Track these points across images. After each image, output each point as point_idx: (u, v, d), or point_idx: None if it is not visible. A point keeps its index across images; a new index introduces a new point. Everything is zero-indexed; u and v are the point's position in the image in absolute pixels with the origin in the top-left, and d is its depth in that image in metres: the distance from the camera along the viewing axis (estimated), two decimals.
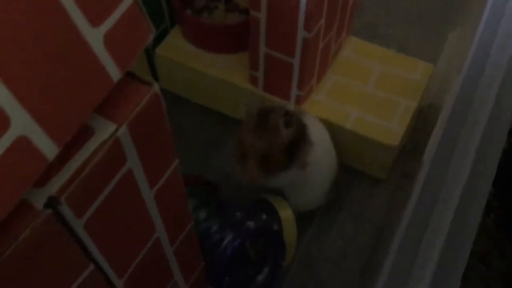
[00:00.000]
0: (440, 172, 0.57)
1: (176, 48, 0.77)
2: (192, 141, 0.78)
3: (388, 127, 0.70)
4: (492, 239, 0.72)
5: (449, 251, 0.51)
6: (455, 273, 0.48)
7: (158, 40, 0.78)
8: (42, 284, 0.30)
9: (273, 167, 0.59)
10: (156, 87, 0.33)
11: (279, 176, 0.60)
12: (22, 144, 0.25)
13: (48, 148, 0.26)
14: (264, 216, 0.62)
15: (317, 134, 0.64)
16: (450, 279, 0.47)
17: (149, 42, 0.32)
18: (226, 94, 0.77)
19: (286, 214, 0.64)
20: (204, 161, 0.76)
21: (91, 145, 0.30)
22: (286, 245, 0.62)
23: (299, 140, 0.60)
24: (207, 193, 0.65)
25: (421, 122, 0.77)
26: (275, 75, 0.70)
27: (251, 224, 0.59)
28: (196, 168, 0.75)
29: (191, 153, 0.76)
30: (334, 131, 0.71)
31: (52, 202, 0.28)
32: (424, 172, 0.57)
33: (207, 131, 0.79)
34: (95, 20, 0.27)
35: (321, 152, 0.64)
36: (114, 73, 0.30)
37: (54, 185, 0.28)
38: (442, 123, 0.61)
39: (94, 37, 0.27)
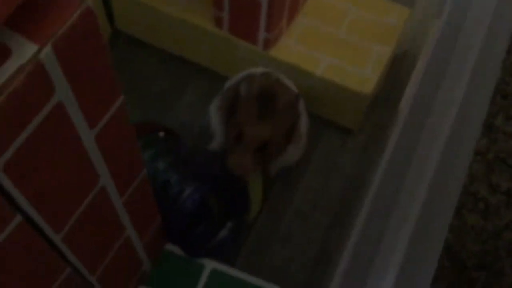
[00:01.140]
0: (418, 122, 0.53)
1: None
2: (150, 88, 0.72)
3: (361, 74, 0.66)
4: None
5: (427, 206, 0.47)
6: (434, 229, 0.44)
7: None
8: None
9: (271, 156, 0.54)
10: (89, 1, 0.27)
11: (277, 161, 0.55)
12: None
13: None
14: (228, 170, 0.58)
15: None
16: (428, 235, 0.44)
17: None
18: (188, 36, 0.71)
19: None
20: (164, 110, 0.70)
21: (7, 70, 0.25)
22: (252, 198, 0.57)
23: (296, 118, 0.54)
24: (166, 142, 0.59)
25: (395, 70, 0.73)
26: (242, 15, 0.64)
27: (213, 174, 0.55)
28: (154, 117, 0.69)
29: (149, 101, 0.71)
30: (304, 78, 0.66)
31: None
32: (401, 122, 0.53)
33: (167, 77, 0.73)
34: None
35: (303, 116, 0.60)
36: None
37: None
38: (420, 71, 0.57)
39: None
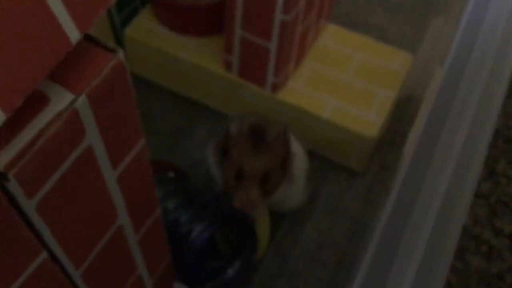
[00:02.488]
0: (421, 165, 0.55)
1: (147, 29, 0.73)
2: (161, 127, 0.74)
3: (366, 118, 0.68)
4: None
5: (430, 247, 0.49)
6: (438, 270, 0.45)
7: (127, 20, 0.74)
8: None
9: (273, 186, 0.55)
10: (121, 54, 0.29)
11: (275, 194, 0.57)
12: None
13: None
14: (236, 210, 0.59)
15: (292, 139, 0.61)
16: (433, 275, 0.45)
17: (112, 3, 0.28)
18: (199, 79, 0.73)
19: (260, 210, 0.60)
20: (174, 149, 0.72)
21: (46, 116, 0.26)
22: (259, 237, 0.59)
23: (287, 152, 0.56)
24: (176, 182, 0.61)
25: (400, 114, 0.75)
26: (251, 60, 0.67)
27: (221, 213, 0.56)
28: (165, 156, 0.71)
29: (159, 140, 0.73)
30: (310, 120, 0.69)
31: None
32: (405, 165, 0.55)
33: (177, 117, 0.76)
34: None
35: (298, 156, 0.62)
36: (73, 33, 0.26)
37: (2, 159, 0.25)
38: (424, 116, 0.59)
39: None
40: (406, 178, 0.54)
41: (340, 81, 0.71)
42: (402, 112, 0.75)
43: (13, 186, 0.25)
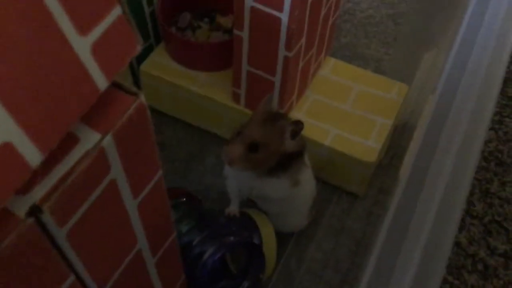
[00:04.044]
0: (416, 187, 0.59)
1: (161, 65, 0.79)
2: (173, 155, 0.79)
3: (365, 144, 0.72)
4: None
5: (423, 264, 0.52)
6: (432, 283, 0.49)
7: (143, 56, 0.79)
8: None
9: (260, 160, 0.58)
10: (142, 98, 0.34)
11: (266, 181, 0.61)
12: (6, 151, 0.25)
13: (33, 156, 0.26)
14: (245, 232, 0.63)
15: (307, 157, 0.65)
16: None
17: (137, 52, 0.33)
18: (209, 110, 0.78)
19: (267, 229, 0.65)
20: (185, 175, 0.77)
21: (76, 154, 0.31)
22: (266, 258, 0.63)
23: (296, 155, 0.60)
24: (189, 206, 0.65)
25: (396, 140, 0.80)
26: (257, 92, 0.72)
27: (231, 238, 0.60)
28: (177, 182, 0.75)
29: (172, 167, 0.77)
30: (313, 148, 0.73)
31: (34, 211, 0.28)
32: (401, 187, 0.59)
33: (188, 145, 0.81)
34: (83, 29, 0.27)
35: (309, 176, 0.66)
36: (101, 82, 0.31)
37: (37, 194, 0.28)
38: (417, 141, 0.63)
39: (82, 45, 0.28)
40: (401, 199, 0.58)
41: (340, 111, 0.76)
42: (399, 138, 0.80)
43: (46, 218, 0.29)
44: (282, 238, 0.69)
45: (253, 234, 0.63)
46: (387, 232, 0.56)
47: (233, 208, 0.67)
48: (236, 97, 0.75)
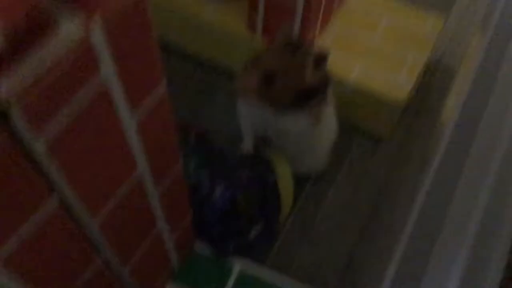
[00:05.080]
0: (465, 136, 0.51)
1: None
2: (183, 90, 0.73)
3: (395, 81, 0.65)
4: None
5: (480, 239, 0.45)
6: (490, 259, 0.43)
7: None
8: None
9: (274, 95, 0.52)
10: None
11: (282, 118, 0.54)
12: None
13: None
14: (259, 167, 0.57)
15: (330, 94, 0.58)
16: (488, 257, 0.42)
17: None
18: (221, 40, 0.71)
19: (283, 168, 0.59)
20: (193, 112, 0.71)
21: (55, 43, 0.24)
22: (282, 200, 0.57)
23: (318, 90, 0.53)
24: (198, 143, 0.59)
25: (429, 79, 0.72)
26: (275, 19, 0.65)
27: (244, 173, 0.54)
28: (187, 117, 0.69)
29: (182, 102, 0.71)
30: (336, 83, 0.66)
31: (1, 107, 0.22)
32: (446, 135, 0.52)
33: (198, 80, 0.74)
34: None
35: (331, 114, 0.59)
36: None
37: (4, 85, 0.22)
38: (464, 85, 0.56)
39: None
40: (448, 148, 0.51)
41: (368, 44, 0.69)
42: (430, 78, 0.72)
43: (17, 116, 0.23)
44: (299, 181, 0.63)
45: (268, 172, 0.57)
46: (433, 179, 0.48)
47: (246, 146, 0.60)
48: (252, 25, 0.68)
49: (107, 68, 0.27)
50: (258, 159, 0.59)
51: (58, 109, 0.26)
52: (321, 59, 0.52)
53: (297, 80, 0.52)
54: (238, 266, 0.54)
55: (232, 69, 0.75)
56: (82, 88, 0.26)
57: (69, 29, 0.24)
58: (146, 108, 0.33)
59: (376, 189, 0.65)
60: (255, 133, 0.60)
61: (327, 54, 0.52)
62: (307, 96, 0.53)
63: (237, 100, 0.60)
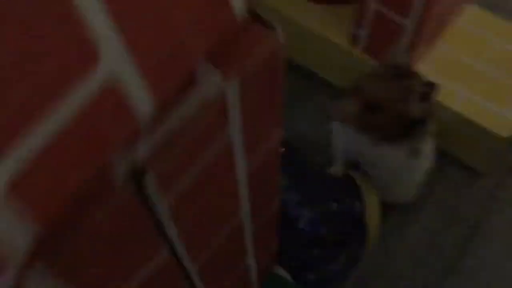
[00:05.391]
0: None
1: None
2: None
3: (501, 114, 0.61)
4: None
5: None
6: None
7: None
8: (110, 262, 0.24)
9: (374, 124, 0.49)
10: (279, 32, 0.25)
11: (379, 148, 0.51)
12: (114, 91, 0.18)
13: (143, 101, 0.20)
14: (347, 198, 0.55)
15: (431, 126, 0.55)
16: None
17: None
18: (319, 47, 0.68)
19: (372, 198, 0.56)
20: (285, 120, 0.68)
21: (193, 100, 0.23)
22: (367, 233, 0.54)
23: (421, 122, 0.50)
24: (288, 159, 0.57)
25: None
26: (381, 36, 0.61)
27: (331, 206, 0.52)
28: None
29: None
30: (438, 110, 0.62)
31: (136, 173, 0.21)
32: None
33: (290, 87, 0.71)
34: None
35: (431, 147, 0.56)
36: (239, 6, 0.22)
37: (141, 151, 0.22)
38: None
39: None
40: None
41: (475, 70, 0.64)
42: None
43: (150, 182, 0.22)
44: (384, 210, 0.60)
45: (355, 201, 0.54)
46: None
47: (336, 169, 0.58)
48: (355, 38, 0.64)
49: (235, 123, 0.26)
50: (347, 185, 0.57)
51: (186, 170, 0.24)
52: (428, 91, 0.49)
53: (402, 112, 0.48)
54: None
55: (326, 79, 0.72)
56: (210, 146, 0.25)
57: (209, 86, 0.23)
58: (261, 155, 0.31)
59: (466, 228, 0.61)
60: (346, 158, 0.58)
61: (436, 85, 0.48)
62: (409, 128, 0.50)
63: (331, 123, 0.57)
